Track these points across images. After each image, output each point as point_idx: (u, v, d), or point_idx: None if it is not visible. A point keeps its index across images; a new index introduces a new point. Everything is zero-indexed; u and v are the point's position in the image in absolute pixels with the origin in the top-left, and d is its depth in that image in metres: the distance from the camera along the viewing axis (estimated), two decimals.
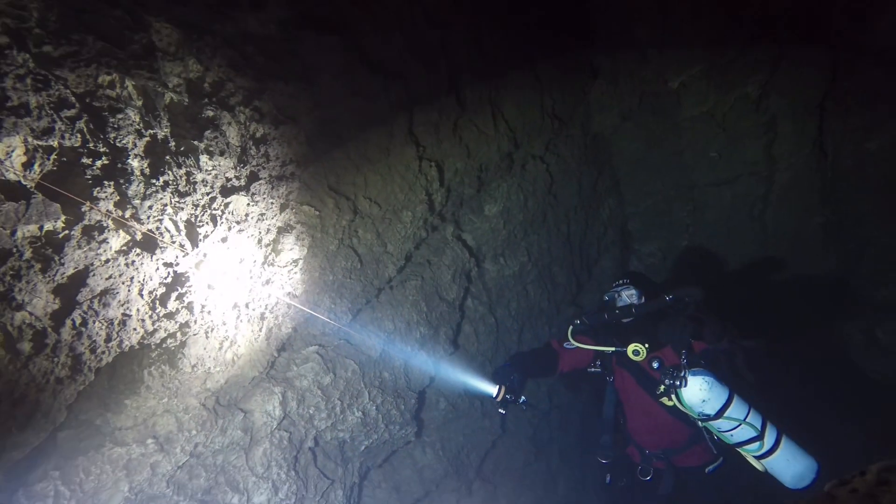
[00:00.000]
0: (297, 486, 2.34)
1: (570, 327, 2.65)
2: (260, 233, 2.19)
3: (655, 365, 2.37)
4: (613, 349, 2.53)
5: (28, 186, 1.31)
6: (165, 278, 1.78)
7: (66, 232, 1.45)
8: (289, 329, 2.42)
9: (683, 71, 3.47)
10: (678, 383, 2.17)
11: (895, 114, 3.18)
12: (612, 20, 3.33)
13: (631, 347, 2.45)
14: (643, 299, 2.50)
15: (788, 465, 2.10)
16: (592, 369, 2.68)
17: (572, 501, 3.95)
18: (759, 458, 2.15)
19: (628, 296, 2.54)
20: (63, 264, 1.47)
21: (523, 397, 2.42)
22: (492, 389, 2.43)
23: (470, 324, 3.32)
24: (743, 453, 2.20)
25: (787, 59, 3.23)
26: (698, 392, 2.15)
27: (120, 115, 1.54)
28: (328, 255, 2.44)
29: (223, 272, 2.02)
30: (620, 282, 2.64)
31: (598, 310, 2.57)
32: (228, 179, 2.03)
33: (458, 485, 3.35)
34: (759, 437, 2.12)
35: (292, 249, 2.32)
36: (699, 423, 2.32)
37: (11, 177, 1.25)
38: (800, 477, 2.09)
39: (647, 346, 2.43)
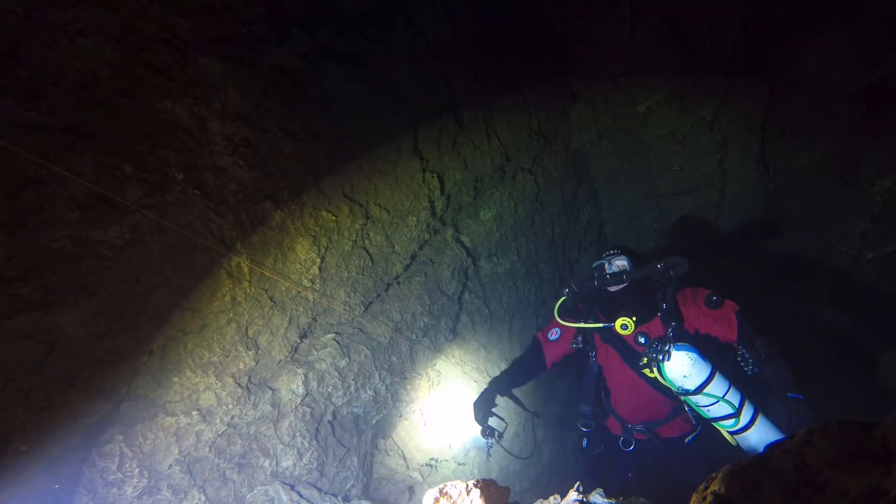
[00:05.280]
0: (318, 453, 2.39)
1: (557, 304, 2.39)
2: (283, 235, 2.23)
3: (642, 340, 2.09)
4: (601, 325, 2.24)
5: (95, 196, 1.37)
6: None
7: (125, 237, 1.51)
8: (309, 318, 2.47)
9: (649, 97, 3.55)
10: (661, 357, 1.93)
11: (819, 137, 3.29)
12: (588, 52, 3.40)
13: (619, 322, 2.15)
14: (633, 266, 2.22)
15: (761, 441, 1.91)
16: (574, 345, 2.41)
17: (555, 466, 4.02)
18: (733, 433, 1.96)
19: (619, 264, 2.24)
20: (122, 263, 1.53)
21: (497, 432, 2.36)
22: (481, 438, 2.39)
23: (467, 314, 3.37)
24: (718, 427, 2.01)
25: (734, 88, 3.32)
26: (680, 367, 1.93)
27: (171, 136, 1.61)
28: (343, 254, 2.48)
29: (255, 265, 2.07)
30: (610, 251, 2.32)
31: (588, 277, 2.27)
32: (259, 189, 2.08)
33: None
34: (736, 415, 1.92)
35: (312, 250, 2.36)
36: (679, 396, 2.10)
37: (83, 188, 1.31)
38: None
39: (634, 319, 2.13)
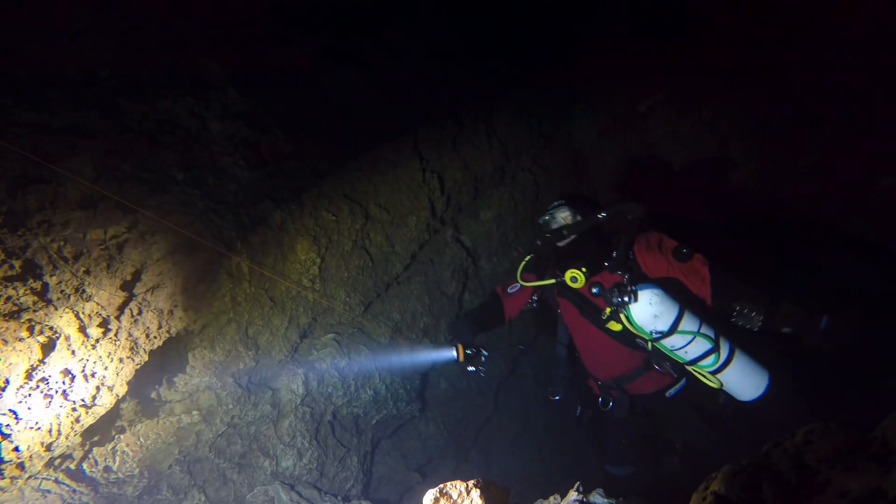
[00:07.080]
0: (318, 453, 2.40)
1: (521, 266, 2.24)
2: (283, 235, 2.23)
3: (595, 290, 1.92)
4: (553, 281, 2.05)
5: (96, 196, 1.37)
6: None
7: (126, 235, 1.52)
8: (309, 318, 2.47)
9: (649, 97, 3.56)
10: (627, 299, 1.77)
11: (819, 137, 3.30)
12: (588, 53, 3.40)
13: (568, 274, 1.94)
14: (578, 218, 2.03)
15: (744, 375, 1.81)
16: (531, 304, 2.27)
17: (555, 464, 4.02)
18: (714, 372, 1.82)
19: (562, 217, 2.06)
20: (122, 262, 1.54)
21: (484, 352, 2.08)
22: (451, 353, 2.07)
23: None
24: (697, 371, 1.86)
25: (734, 90, 3.33)
26: (649, 307, 1.77)
27: (170, 135, 1.61)
28: (343, 254, 2.48)
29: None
30: (554, 203, 2.14)
31: (534, 237, 2.13)
32: (259, 189, 2.08)
33: (457, 452, 3.41)
34: (715, 349, 1.79)
35: (312, 249, 2.36)
36: (651, 343, 1.93)
37: (85, 189, 1.32)
38: (755, 386, 1.82)
39: (584, 270, 1.93)
